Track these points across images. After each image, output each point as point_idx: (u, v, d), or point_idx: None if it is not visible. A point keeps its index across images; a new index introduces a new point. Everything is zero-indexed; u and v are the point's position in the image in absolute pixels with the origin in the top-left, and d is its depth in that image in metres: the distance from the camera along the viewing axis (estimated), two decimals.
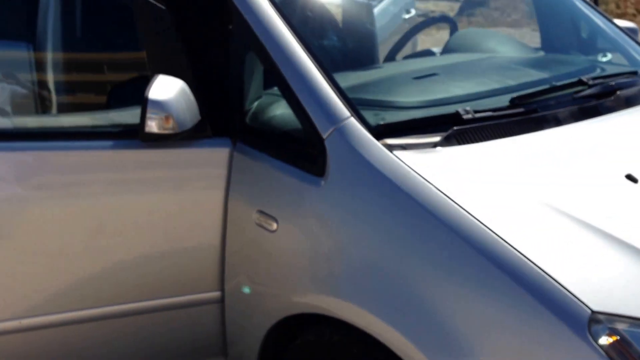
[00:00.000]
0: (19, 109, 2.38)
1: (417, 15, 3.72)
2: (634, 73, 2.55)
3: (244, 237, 2.08)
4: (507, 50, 2.90)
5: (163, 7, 2.06)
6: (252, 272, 2.08)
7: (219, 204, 2.09)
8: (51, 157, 2.01)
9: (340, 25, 2.80)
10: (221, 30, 2.17)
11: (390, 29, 3.58)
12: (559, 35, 3.07)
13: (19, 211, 1.98)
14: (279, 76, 2.00)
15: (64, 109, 2.49)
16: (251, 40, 2.06)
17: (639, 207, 1.85)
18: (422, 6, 3.98)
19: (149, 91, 1.89)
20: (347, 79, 2.24)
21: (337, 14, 2.84)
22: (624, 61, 2.83)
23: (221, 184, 2.08)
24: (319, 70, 1.98)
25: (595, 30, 2.97)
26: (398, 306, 1.74)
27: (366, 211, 1.84)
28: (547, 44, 3.06)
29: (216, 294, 2.18)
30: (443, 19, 3.37)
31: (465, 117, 2.01)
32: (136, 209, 2.06)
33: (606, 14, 3.00)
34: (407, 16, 3.71)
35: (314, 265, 1.93)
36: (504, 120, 2.04)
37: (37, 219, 1.99)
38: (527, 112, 2.10)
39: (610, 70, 2.59)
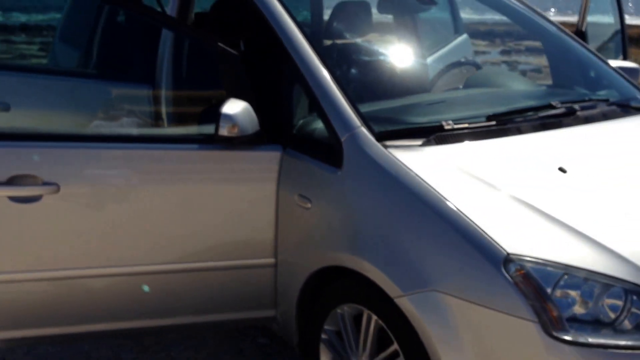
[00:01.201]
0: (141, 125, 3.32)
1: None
2: (606, 100, 3.24)
3: (289, 215, 2.88)
4: (513, 85, 3.63)
5: (236, 54, 2.94)
6: (295, 240, 2.88)
7: (273, 192, 2.91)
8: (158, 154, 2.88)
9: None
10: (277, 68, 3.04)
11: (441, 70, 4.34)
12: (565, 73, 3.77)
13: (136, 187, 2.85)
14: (316, 102, 2.81)
15: (170, 124, 3.42)
16: (298, 76, 2.89)
17: (560, 187, 2.56)
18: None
19: (222, 108, 2.75)
20: (374, 105, 3.04)
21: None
22: (614, 93, 3.51)
23: (274, 177, 2.90)
24: (343, 97, 2.78)
25: (591, 67, 3.66)
26: (386, 257, 2.49)
27: (369, 191, 2.62)
28: (555, 79, 3.77)
29: (271, 260, 2.99)
30: (469, 62, 4.12)
31: (446, 127, 2.77)
32: (213, 192, 2.90)
33: (602, 57, 3.68)
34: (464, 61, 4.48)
35: (336, 232, 2.71)
36: (475, 130, 2.78)
37: (146, 194, 2.85)
38: (496, 125, 2.84)
39: (588, 97, 3.29)
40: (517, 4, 3.89)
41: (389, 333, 2.53)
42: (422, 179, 2.51)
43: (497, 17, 3.97)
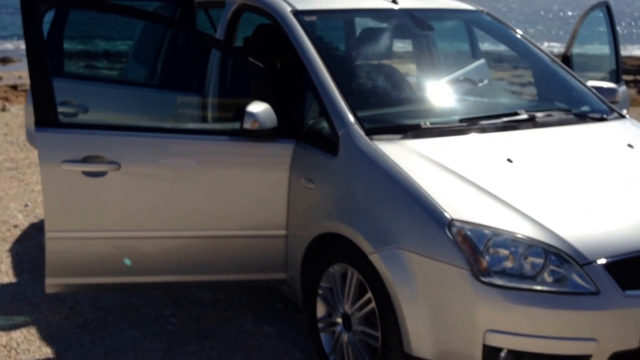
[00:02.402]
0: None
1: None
2: (568, 110, 3.90)
3: (299, 193, 3.61)
4: (499, 97, 4.32)
5: (262, 66, 3.71)
6: (303, 212, 3.60)
7: (286, 176, 3.65)
8: (196, 143, 3.66)
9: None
10: (298, 80, 3.80)
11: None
12: (548, 90, 4.44)
13: (179, 169, 3.62)
14: (323, 106, 3.56)
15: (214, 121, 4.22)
16: (312, 86, 3.64)
17: (503, 172, 3.24)
18: None
19: (247, 107, 3.52)
20: (371, 109, 3.75)
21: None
22: (585, 106, 4.16)
23: (288, 164, 3.64)
24: (344, 102, 3.51)
25: (568, 85, 4.32)
26: (365, 223, 3.20)
27: (357, 173, 3.34)
28: (540, 94, 4.45)
29: (283, 232, 3.72)
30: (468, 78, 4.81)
31: (423, 126, 3.47)
32: (239, 176, 3.66)
33: (579, 77, 4.34)
34: (480, 84, 5.15)
35: (330, 206, 3.43)
36: (445, 129, 3.49)
37: (187, 175, 3.63)
38: (464, 125, 3.53)
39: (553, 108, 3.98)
40: (516, 36, 4.59)
41: (365, 284, 3.22)
42: (395, 163, 3.22)
43: (502, 46, 4.66)
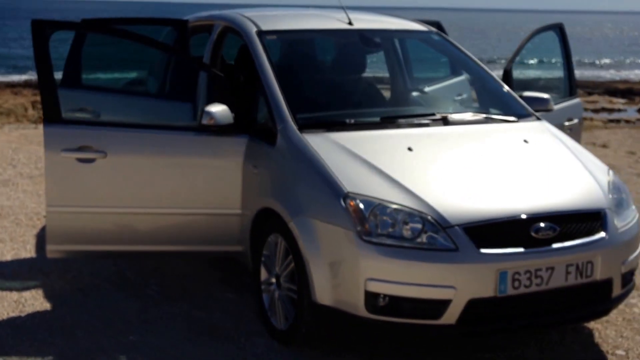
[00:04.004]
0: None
1: None
2: (485, 112, 4.61)
3: (249, 177, 4.39)
4: (434, 103, 5.06)
5: (222, 76, 4.53)
6: (252, 192, 4.36)
7: (240, 164, 4.44)
8: (165, 136, 4.48)
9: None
10: (249, 84, 4.61)
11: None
12: (482, 96, 5.13)
13: (151, 158, 4.43)
14: (269, 107, 4.35)
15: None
16: (264, 93, 4.44)
17: (401, 158, 3.96)
18: None
19: (206, 107, 4.33)
20: (311, 111, 4.50)
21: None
22: (508, 110, 4.82)
23: (242, 154, 4.43)
24: (285, 104, 4.29)
25: (498, 92, 5.00)
26: (288, 198, 3.97)
27: (287, 159, 4.12)
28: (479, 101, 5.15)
29: (238, 211, 4.50)
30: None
31: (348, 122, 4.22)
32: (202, 164, 4.46)
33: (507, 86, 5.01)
34: (458, 98, 5.84)
35: (267, 186, 4.21)
36: (365, 124, 4.23)
37: (157, 163, 4.45)
38: (382, 123, 4.26)
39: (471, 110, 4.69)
40: (460, 53, 5.30)
41: (288, 249, 3.96)
42: (314, 149, 3.99)
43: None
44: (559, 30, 6.01)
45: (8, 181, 7.80)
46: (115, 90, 6.17)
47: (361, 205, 3.65)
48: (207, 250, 4.67)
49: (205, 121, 4.34)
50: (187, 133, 4.49)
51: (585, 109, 21.13)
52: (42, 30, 4.38)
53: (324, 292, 3.72)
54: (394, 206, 3.63)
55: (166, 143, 4.48)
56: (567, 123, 5.79)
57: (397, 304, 3.59)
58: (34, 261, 5.42)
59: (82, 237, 4.53)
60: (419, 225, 3.59)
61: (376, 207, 3.63)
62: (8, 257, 5.52)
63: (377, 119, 4.38)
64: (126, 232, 4.55)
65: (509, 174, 3.99)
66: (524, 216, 3.67)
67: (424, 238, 3.58)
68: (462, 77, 6.02)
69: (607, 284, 3.84)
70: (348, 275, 3.63)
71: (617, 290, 3.91)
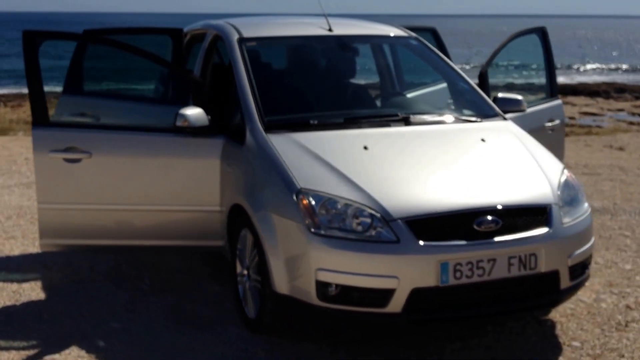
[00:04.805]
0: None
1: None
2: (454, 114, 4.82)
3: (225, 175, 4.68)
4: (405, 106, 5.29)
5: (200, 80, 4.83)
6: (227, 190, 4.64)
7: (218, 164, 4.72)
8: (147, 139, 4.79)
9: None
10: (225, 88, 4.90)
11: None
12: (457, 98, 5.33)
13: (132, 157, 4.75)
14: (242, 110, 4.63)
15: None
16: (237, 92, 4.72)
17: (355, 156, 4.19)
18: None
19: (181, 110, 4.63)
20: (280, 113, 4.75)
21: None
22: (479, 111, 5.01)
23: (219, 154, 4.71)
24: (255, 107, 4.56)
25: (471, 95, 5.19)
26: (253, 195, 4.23)
27: (253, 158, 4.39)
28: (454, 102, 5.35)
29: (218, 207, 4.78)
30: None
31: (311, 122, 4.48)
32: (182, 163, 4.75)
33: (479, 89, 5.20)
34: (433, 101, 6.02)
35: (237, 184, 4.48)
36: (327, 124, 4.48)
37: (137, 162, 4.75)
38: (344, 123, 4.51)
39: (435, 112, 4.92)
40: (437, 58, 5.51)
41: (254, 243, 4.23)
42: (275, 148, 4.25)
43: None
44: (542, 33, 6.16)
45: (32, 184, 8.25)
46: (115, 95, 6.54)
47: (312, 200, 3.90)
48: (190, 245, 4.97)
49: (179, 123, 4.63)
50: (166, 135, 4.79)
51: (633, 114, 21.01)
52: (32, 40, 4.73)
53: (282, 281, 3.98)
54: (344, 201, 3.87)
55: (147, 144, 4.79)
56: (549, 124, 5.95)
57: (346, 293, 3.82)
58: (39, 256, 5.79)
59: (71, 232, 4.87)
60: (369, 220, 3.82)
61: (326, 201, 3.88)
62: (16, 252, 5.92)
63: (341, 120, 4.63)
64: (112, 227, 4.87)
65: (458, 171, 4.20)
66: (466, 210, 3.88)
67: (372, 232, 3.81)
68: (443, 83, 6.11)
69: (553, 276, 4.02)
70: (301, 266, 3.88)
71: (565, 283, 4.07)
